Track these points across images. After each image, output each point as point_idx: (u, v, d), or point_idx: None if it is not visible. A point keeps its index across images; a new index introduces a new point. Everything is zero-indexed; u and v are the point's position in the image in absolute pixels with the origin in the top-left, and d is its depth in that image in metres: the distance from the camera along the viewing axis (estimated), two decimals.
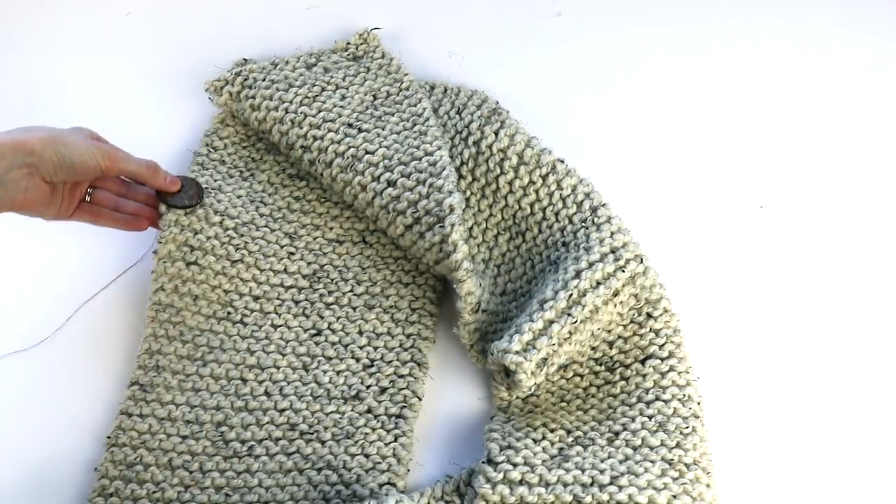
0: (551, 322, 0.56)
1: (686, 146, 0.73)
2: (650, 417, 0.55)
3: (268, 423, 0.58)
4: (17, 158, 0.52)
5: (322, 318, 0.63)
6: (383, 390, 0.60)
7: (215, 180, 0.67)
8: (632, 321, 0.60)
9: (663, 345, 0.59)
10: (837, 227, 0.68)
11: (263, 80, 0.69)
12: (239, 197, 0.67)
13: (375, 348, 0.61)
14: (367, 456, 0.57)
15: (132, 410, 0.57)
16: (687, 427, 0.54)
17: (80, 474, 0.57)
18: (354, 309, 0.63)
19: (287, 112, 0.67)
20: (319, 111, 0.67)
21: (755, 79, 0.77)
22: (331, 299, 0.64)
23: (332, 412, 0.59)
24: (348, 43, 0.76)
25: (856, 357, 0.62)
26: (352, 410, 0.59)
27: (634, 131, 0.74)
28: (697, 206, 0.69)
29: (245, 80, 0.69)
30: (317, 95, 0.69)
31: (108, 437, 0.57)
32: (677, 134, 0.74)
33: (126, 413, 0.57)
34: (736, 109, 0.75)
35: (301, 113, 0.67)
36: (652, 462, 0.52)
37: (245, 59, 0.74)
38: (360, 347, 0.61)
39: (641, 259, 0.59)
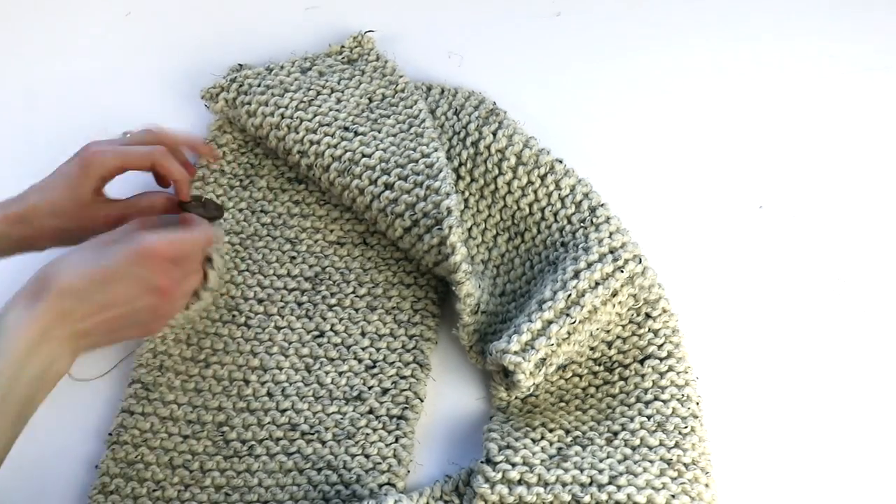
0: (550, 322, 0.56)
1: (685, 146, 0.73)
2: (649, 417, 0.55)
3: (269, 423, 0.58)
4: (17, 248, 0.56)
5: (325, 319, 0.63)
6: (385, 391, 0.60)
7: (218, 196, 0.69)
8: (630, 321, 0.60)
9: (662, 345, 0.59)
10: (837, 227, 0.68)
11: (259, 85, 0.69)
12: (241, 211, 0.68)
13: (378, 349, 0.62)
14: (367, 456, 0.57)
15: (134, 409, 0.58)
16: (685, 427, 0.54)
17: (81, 472, 0.57)
18: (357, 310, 0.64)
19: (283, 117, 0.67)
20: (315, 115, 0.67)
21: (755, 79, 0.77)
22: (333, 301, 0.64)
23: (333, 413, 0.59)
24: (343, 46, 0.76)
25: (855, 357, 0.61)
26: (353, 411, 0.59)
27: (633, 131, 0.74)
28: (697, 206, 0.69)
29: (240, 86, 0.70)
30: (312, 100, 0.69)
31: (110, 435, 0.57)
32: (676, 134, 0.74)
33: (128, 411, 0.58)
34: (735, 109, 0.75)
35: (297, 118, 0.67)
36: (650, 462, 0.52)
37: (240, 65, 0.75)
38: (363, 348, 0.62)
39: (640, 259, 0.60)
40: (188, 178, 0.61)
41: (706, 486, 0.52)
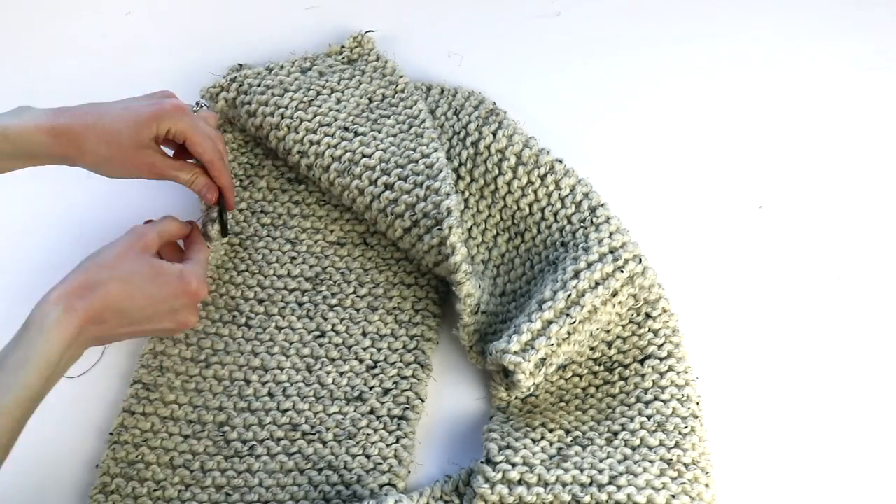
0: (550, 322, 0.56)
1: (685, 146, 0.73)
2: (649, 417, 0.55)
3: (270, 423, 0.58)
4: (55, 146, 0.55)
5: (326, 319, 0.63)
6: (386, 391, 0.60)
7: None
8: (630, 321, 0.60)
9: (662, 345, 0.59)
10: (837, 227, 0.68)
11: (259, 85, 0.69)
12: (241, 211, 0.68)
13: (379, 350, 0.62)
14: (368, 457, 0.57)
15: (135, 408, 0.59)
16: (685, 427, 0.54)
17: (81, 471, 0.58)
18: (358, 311, 0.64)
19: (283, 117, 0.67)
20: (315, 115, 0.67)
21: (755, 79, 0.77)
22: (334, 301, 0.64)
23: (334, 413, 0.59)
24: (343, 46, 0.76)
25: (855, 357, 0.61)
26: (354, 411, 0.59)
27: (633, 131, 0.74)
28: (697, 206, 0.69)
29: (240, 86, 0.70)
30: (312, 100, 0.69)
31: (111, 434, 0.58)
32: (676, 134, 0.74)
33: (129, 411, 0.59)
34: (735, 109, 0.75)
35: (297, 118, 0.67)
36: (651, 462, 0.52)
37: (240, 65, 0.75)
38: (364, 349, 0.62)
39: (640, 259, 0.60)
40: (233, 187, 0.64)
41: (706, 486, 0.52)
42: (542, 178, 0.65)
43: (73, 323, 0.48)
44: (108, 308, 0.50)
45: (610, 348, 0.60)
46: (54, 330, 0.47)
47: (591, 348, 0.60)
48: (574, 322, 0.56)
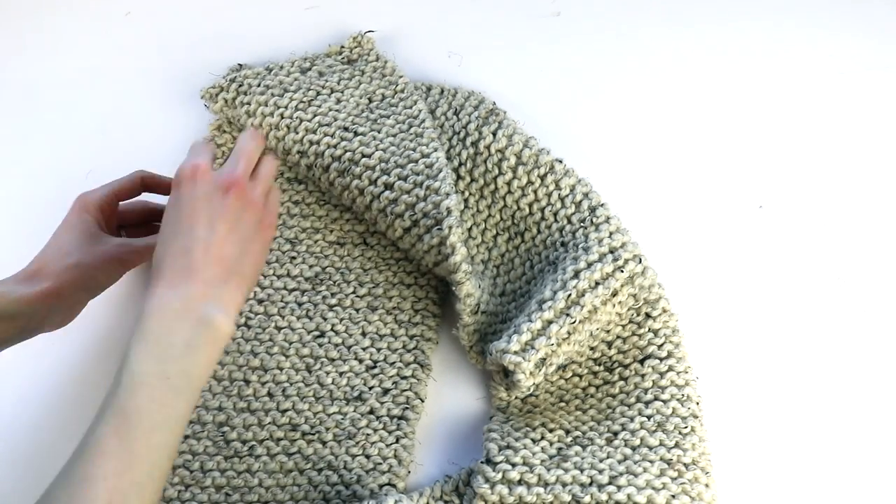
0: (550, 322, 0.56)
1: (685, 146, 0.73)
2: (649, 417, 0.55)
3: (269, 423, 0.58)
4: (43, 309, 0.54)
5: (325, 319, 0.63)
6: (386, 391, 0.60)
7: None
8: (630, 321, 0.60)
9: (662, 345, 0.59)
10: (837, 227, 0.68)
11: (258, 85, 0.69)
12: None
13: (378, 350, 0.62)
14: (367, 457, 0.57)
15: None
16: (686, 427, 0.54)
17: None
18: (357, 310, 0.64)
19: (282, 118, 0.67)
20: (315, 115, 0.67)
21: (754, 78, 0.77)
22: (334, 301, 0.64)
23: (334, 413, 0.59)
24: (342, 46, 0.76)
25: (855, 357, 0.61)
26: (354, 411, 0.59)
27: (633, 131, 0.74)
28: (696, 206, 0.69)
29: (240, 86, 0.70)
30: (312, 100, 0.69)
31: None
32: (676, 134, 0.74)
33: None
34: (735, 109, 0.75)
35: (296, 118, 0.67)
36: (651, 462, 0.52)
37: (240, 65, 0.75)
38: (364, 349, 0.62)
39: (640, 259, 0.60)
40: None
41: (706, 486, 0.52)
42: (542, 178, 0.64)
43: (228, 314, 0.49)
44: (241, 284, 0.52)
45: (610, 348, 0.60)
46: (226, 327, 0.49)
47: (591, 348, 0.60)
48: (574, 322, 0.56)
